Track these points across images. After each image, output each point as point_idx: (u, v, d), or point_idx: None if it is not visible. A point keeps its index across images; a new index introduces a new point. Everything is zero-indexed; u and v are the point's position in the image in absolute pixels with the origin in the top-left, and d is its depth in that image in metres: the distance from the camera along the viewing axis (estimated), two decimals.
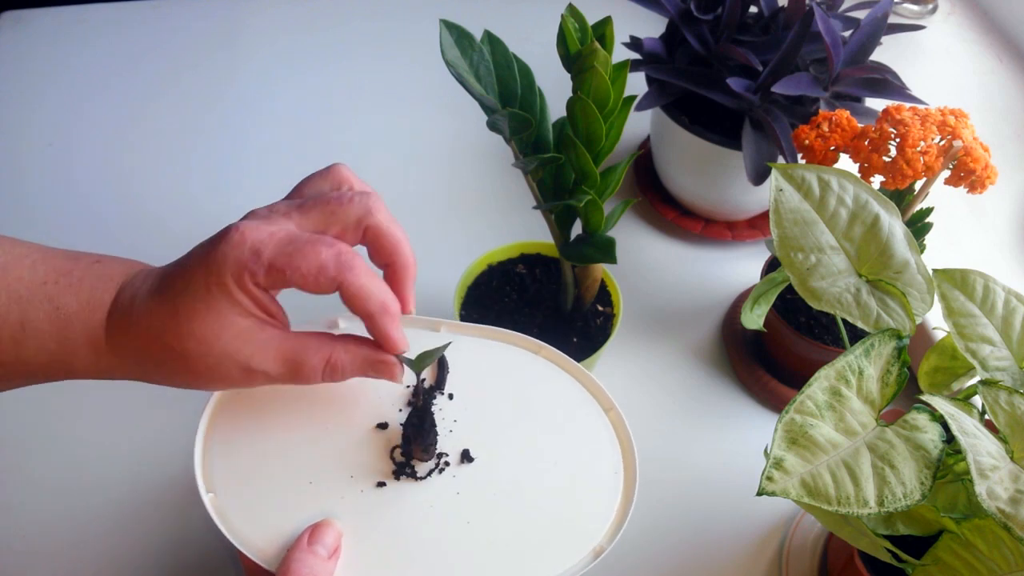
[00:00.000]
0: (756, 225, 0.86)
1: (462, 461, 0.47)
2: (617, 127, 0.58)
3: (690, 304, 0.82)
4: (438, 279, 0.78)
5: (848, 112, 0.62)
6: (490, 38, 0.57)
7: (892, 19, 0.73)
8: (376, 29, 1.09)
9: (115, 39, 1.06)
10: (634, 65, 0.76)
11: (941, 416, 0.44)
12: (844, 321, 0.64)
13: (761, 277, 0.73)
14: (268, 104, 0.99)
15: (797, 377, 0.73)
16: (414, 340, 0.46)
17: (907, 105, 0.60)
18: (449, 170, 0.93)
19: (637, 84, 0.76)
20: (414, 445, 0.46)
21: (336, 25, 1.09)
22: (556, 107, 0.58)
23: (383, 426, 0.48)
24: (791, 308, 0.71)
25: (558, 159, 0.56)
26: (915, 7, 1.12)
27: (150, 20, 1.09)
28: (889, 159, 0.58)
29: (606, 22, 0.54)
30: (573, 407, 0.49)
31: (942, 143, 0.57)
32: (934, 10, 1.12)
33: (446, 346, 0.47)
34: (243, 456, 0.46)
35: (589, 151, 0.56)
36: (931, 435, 0.45)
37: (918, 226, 0.65)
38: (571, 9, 0.54)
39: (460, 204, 0.90)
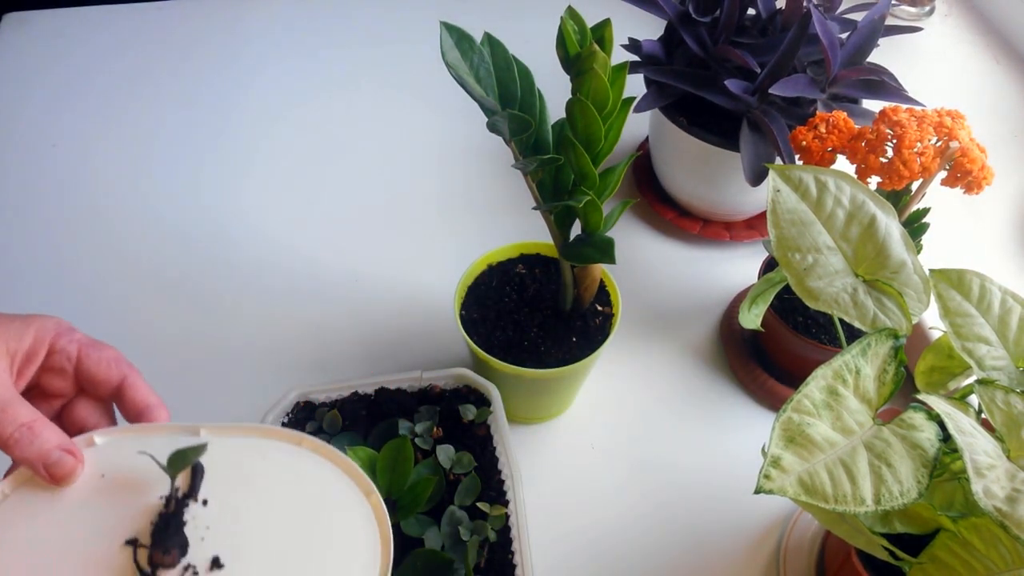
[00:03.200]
0: (754, 225, 0.87)
1: (212, 568, 0.45)
2: (616, 128, 0.58)
3: (688, 304, 0.83)
4: (438, 279, 0.79)
5: (845, 113, 0.62)
6: (490, 40, 0.57)
7: (889, 21, 0.73)
8: (377, 32, 1.09)
9: (119, 40, 1.06)
10: (633, 67, 0.77)
11: (938, 415, 0.45)
12: (841, 321, 0.64)
13: (759, 277, 0.73)
14: (272, 103, 1.00)
15: (794, 376, 0.74)
16: (172, 447, 0.45)
17: (904, 106, 0.60)
18: (449, 171, 0.94)
19: (636, 85, 0.76)
20: (153, 550, 0.45)
21: (337, 28, 1.10)
22: (556, 109, 0.59)
23: (132, 542, 0.46)
24: (788, 308, 0.72)
25: (557, 160, 0.57)
26: (912, 9, 1.12)
27: (155, 21, 1.09)
28: (886, 160, 0.58)
29: (605, 24, 0.55)
30: (331, 497, 0.49)
31: (939, 144, 0.57)
32: (931, 12, 1.13)
33: (201, 448, 0.45)
34: None
35: (588, 152, 0.56)
36: (928, 434, 0.45)
37: (915, 226, 0.65)
38: (570, 11, 0.54)
39: (460, 205, 0.91)
